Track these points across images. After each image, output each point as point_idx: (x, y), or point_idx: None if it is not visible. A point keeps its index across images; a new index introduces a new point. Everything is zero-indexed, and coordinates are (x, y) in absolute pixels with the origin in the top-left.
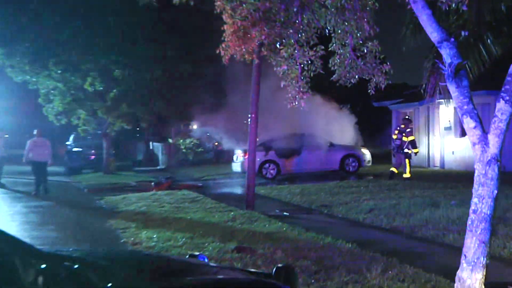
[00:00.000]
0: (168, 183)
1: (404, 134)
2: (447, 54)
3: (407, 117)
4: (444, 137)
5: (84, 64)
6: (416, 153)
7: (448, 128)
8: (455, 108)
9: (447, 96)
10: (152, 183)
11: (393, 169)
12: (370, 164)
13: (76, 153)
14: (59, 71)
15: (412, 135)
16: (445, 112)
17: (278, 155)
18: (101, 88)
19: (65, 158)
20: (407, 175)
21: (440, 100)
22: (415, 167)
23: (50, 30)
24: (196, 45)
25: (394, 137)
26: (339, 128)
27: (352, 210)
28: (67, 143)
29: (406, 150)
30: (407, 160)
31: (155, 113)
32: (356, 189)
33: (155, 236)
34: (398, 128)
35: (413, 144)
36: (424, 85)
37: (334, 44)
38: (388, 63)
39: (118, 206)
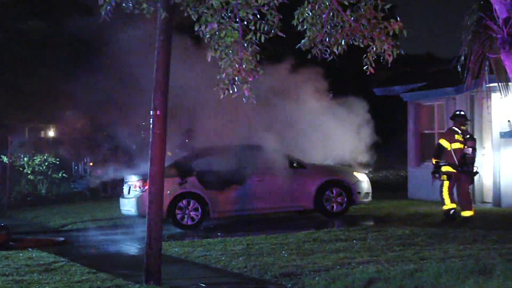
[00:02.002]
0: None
1: (471, 140)
2: (501, 2)
3: (461, 112)
4: (501, 150)
5: None
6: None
7: (507, 134)
8: None
9: (503, 76)
10: None
11: (452, 205)
12: (369, 198)
13: None
14: None
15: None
16: (502, 105)
17: (205, 183)
18: None
19: None
20: (470, 212)
21: (492, 85)
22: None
23: None
24: None
25: (457, 146)
26: (328, 136)
27: (337, 282)
28: None
29: (475, 169)
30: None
31: None
32: (345, 244)
33: None
34: (460, 132)
35: (474, 158)
36: (462, 58)
37: None
38: (399, 18)
39: None
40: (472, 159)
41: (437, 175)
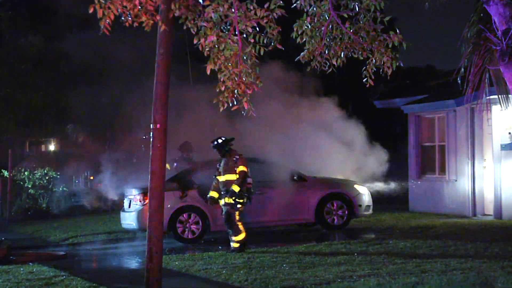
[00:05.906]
0: (0, 251)
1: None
2: (500, 15)
3: (224, 138)
4: (501, 162)
5: None
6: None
7: (508, 147)
8: None
9: (503, 88)
10: None
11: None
12: (370, 211)
13: None
14: None
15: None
16: (502, 117)
17: (206, 197)
18: None
19: None
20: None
21: (492, 97)
22: (449, 216)
23: None
24: (54, 3)
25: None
26: (329, 149)
27: None
28: None
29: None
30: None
31: None
32: (346, 258)
33: None
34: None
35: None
36: (462, 70)
37: None
38: (398, 31)
39: None
40: (251, 187)
41: (237, 205)
